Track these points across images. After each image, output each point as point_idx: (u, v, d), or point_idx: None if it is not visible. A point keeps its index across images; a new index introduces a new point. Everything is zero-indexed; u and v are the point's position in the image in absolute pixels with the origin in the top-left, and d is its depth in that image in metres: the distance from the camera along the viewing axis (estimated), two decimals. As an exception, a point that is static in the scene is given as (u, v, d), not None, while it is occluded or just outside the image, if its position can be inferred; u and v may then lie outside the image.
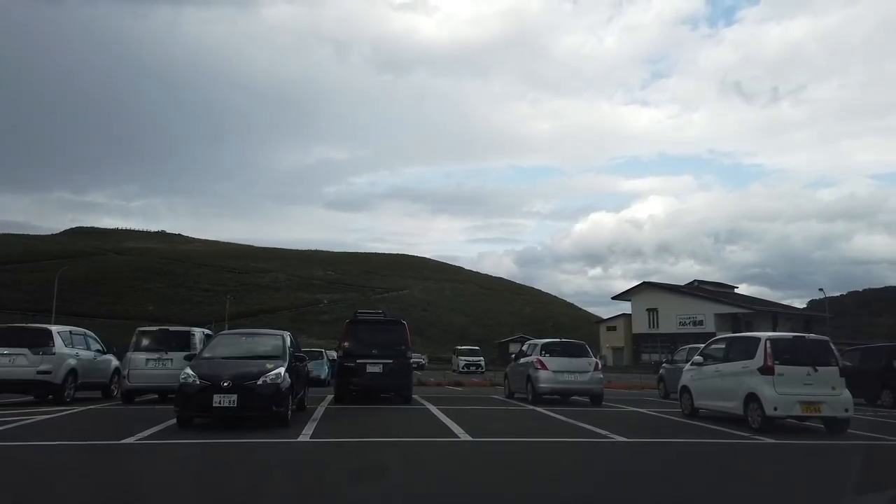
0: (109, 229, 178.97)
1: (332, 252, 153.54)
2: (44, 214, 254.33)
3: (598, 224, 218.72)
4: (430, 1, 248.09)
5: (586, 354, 16.73)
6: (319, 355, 26.63)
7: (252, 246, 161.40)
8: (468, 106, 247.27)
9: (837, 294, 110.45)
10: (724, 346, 12.90)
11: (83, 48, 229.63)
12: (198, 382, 9.89)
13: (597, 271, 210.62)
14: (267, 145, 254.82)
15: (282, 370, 10.40)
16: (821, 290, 63.46)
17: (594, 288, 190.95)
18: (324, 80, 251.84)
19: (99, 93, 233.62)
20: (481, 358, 51.05)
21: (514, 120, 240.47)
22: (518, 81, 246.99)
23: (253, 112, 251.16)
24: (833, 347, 11.62)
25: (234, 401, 9.70)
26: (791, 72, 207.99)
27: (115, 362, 15.92)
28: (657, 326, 69.21)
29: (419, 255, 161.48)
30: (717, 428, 11.36)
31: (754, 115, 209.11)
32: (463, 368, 47.64)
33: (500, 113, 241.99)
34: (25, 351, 13.53)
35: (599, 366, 16.85)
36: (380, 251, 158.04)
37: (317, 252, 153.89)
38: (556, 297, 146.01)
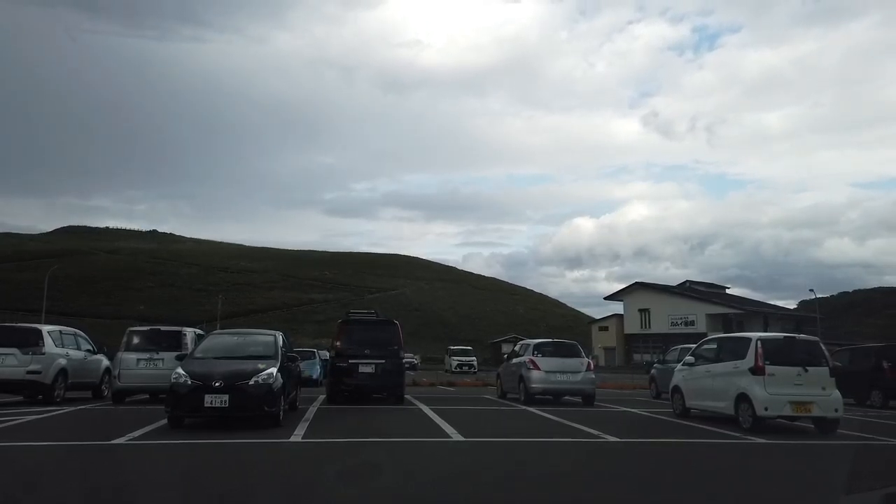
0: (100, 228, 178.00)
1: (325, 252, 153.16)
2: (48, 218, 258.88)
3: (589, 229, 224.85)
4: (424, 40, 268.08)
5: (578, 354, 16.75)
6: (311, 355, 26.60)
7: (244, 245, 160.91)
8: (467, 121, 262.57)
9: (827, 295, 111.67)
10: (715, 346, 12.95)
11: (107, 66, 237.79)
12: (189, 382, 9.84)
13: (591, 273, 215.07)
14: (272, 155, 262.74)
15: (274, 370, 10.36)
16: (811, 290, 63.86)
17: (590, 289, 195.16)
18: (331, 99, 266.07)
19: (115, 104, 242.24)
20: (474, 358, 51.09)
21: (511, 132, 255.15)
22: (515, 101, 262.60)
23: (262, 126, 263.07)
24: (823, 348, 11.68)
25: (225, 401, 9.66)
26: (770, 91, 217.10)
27: (105, 362, 15.82)
28: (649, 327, 69.42)
29: (413, 255, 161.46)
30: (709, 428, 11.41)
31: (739, 127, 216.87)
32: (455, 368, 47.65)
33: (498, 127, 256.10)
34: (15, 351, 13.43)
35: (591, 366, 16.87)
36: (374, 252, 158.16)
37: (309, 252, 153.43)
38: (548, 297, 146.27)
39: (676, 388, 13.49)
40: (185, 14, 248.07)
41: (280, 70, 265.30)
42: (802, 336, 12.90)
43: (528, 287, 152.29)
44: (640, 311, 70.63)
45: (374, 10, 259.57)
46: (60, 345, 14.41)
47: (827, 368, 11.17)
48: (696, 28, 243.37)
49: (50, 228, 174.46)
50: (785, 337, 12.41)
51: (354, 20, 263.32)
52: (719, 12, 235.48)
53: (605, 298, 77.86)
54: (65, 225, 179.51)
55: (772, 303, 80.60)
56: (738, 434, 10.55)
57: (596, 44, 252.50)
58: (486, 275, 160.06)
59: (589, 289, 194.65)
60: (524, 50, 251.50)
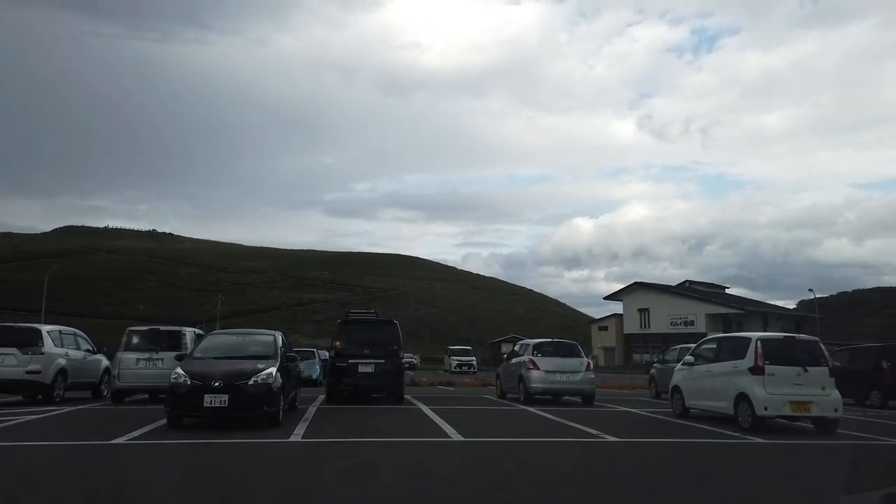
0: (100, 228, 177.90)
1: (325, 252, 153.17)
2: (49, 218, 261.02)
3: (589, 229, 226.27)
4: (424, 42, 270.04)
5: (578, 354, 16.75)
6: (311, 355, 26.58)
7: (244, 245, 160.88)
8: (467, 122, 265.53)
9: (827, 295, 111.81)
10: (714, 346, 12.95)
11: (108, 67, 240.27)
12: (188, 382, 9.83)
13: (590, 273, 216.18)
14: (273, 156, 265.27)
15: (273, 370, 10.35)
16: (811, 290, 63.90)
17: (589, 289, 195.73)
18: (331, 100, 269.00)
19: (117, 104, 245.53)
20: (473, 358, 51.06)
21: (511, 133, 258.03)
22: (515, 102, 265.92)
23: (263, 126, 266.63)
24: (823, 348, 11.68)
25: (224, 401, 9.66)
26: (769, 92, 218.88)
27: (105, 362, 15.81)
28: (648, 326, 69.41)
29: (412, 255, 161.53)
30: (708, 428, 11.41)
31: (738, 128, 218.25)
32: (455, 368, 47.64)
33: (498, 128, 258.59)
34: (14, 350, 13.42)
35: (591, 366, 16.88)
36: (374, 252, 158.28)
37: (310, 252, 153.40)
38: (547, 297, 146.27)
39: (676, 388, 13.49)
40: (186, 17, 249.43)
41: (281, 71, 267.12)
42: (802, 336, 12.90)
43: (527, 287, 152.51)
44: (640, 310, 70.60)
45: (374, 13, 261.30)
46: (60, 345, 14.40)
47: (826, 368, 11.17)
48: (695, 30, 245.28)
49: (50, 228, 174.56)
50: (784, 337, 12.40)
51: (355, 23, 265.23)
52: (718, 14, 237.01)
53: (605, 298, 77.91)
54: (65, 225, 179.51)
55: (771, 303, 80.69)
56: (737, 434, 10.55)
57: (595, 46, 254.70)
58: (486, 275, 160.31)
59: (588, 289, 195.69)
60: (524, 52, 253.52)
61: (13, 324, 15.89)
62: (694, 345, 14.72)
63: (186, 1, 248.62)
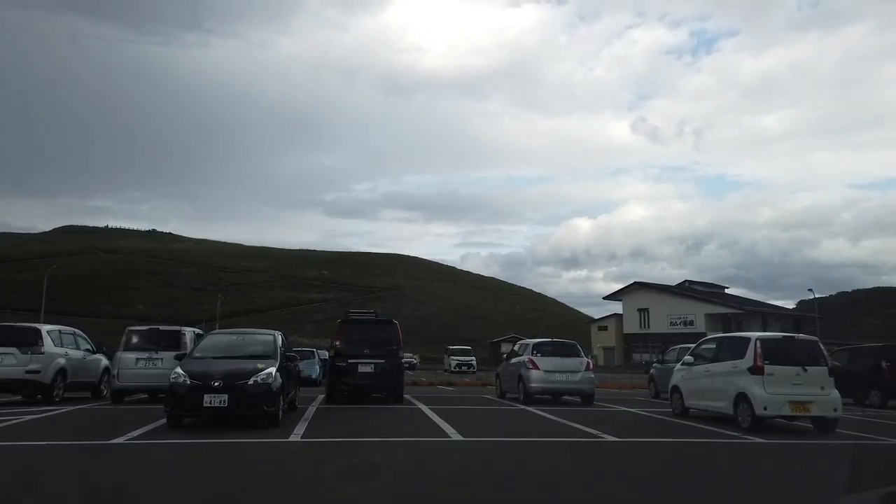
0: (100, 228, 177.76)
1: (325, 252, 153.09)
2: (49, 218, 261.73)
3: (587, 229, 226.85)
4: (425, 45, 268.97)
5: (578, 354, 16.76)
6: (311, 355, 26.59)
7: (244, 245, 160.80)
8: (467, 123, 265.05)
9: (826, 295, 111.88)
10: (714, 346, 12.95)
11: (110, 69, 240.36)
12: (188, 382, 9.83)
13: (589, 273, 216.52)
14: (273, 156, 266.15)
15: (273, 370, 10.36)
16: (810, 290, 63.94)
17: (588, 289, 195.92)
18: (332, 102, 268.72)
19: (118, 106, 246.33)
20: (473, 358, 51.09)
21: (511, 134, 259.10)
22: (515, 103, 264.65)
23: (263, 127, 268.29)
24: (822, 347, 11.68)
25: (224, 401, 9.66)
26: (767, 94, 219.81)
27: (104, 362, 15.82)
28: (648, 326, 69.43)
29: (412, 255, 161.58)
30: (708, 427, 11.41)
31: (738, 128, 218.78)
32: (455, 368, 47.65)
33: (497, 129, 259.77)
34: (14, 350, 13.42)
35: (591, 365, 16.89)
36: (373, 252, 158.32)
37: (310, 252, 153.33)
38: (547, 296, 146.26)
39: (675, 388, 13.50)
40: (188, 21, 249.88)
41: (282, 73, 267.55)
42: (801, 336, 12.89)
43: (526, 287, 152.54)
44: (640, 310, 70.64)
45: (375, 16, 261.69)
46: (59, 344, 14.40)
47: (826, 368, 11.17)
48: (693, 32, 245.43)
49: (50, 228, 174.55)
50: (784, 337, 12.40)
51: (356, 26, 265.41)
52: (717, 17, 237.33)
53: (605, 298, 77.95)
54: (65, 225, 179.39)
55: (770, 303, 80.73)
56: (737, 434, 10.55)
57: (595, 48, 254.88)
58: (485, 275, 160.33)
59: (587, 289, 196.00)
60: (524, 54, 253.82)
61: (13, 324, 15.89)
62: (693, 345, 14.72)
63: (188, 5, 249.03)
